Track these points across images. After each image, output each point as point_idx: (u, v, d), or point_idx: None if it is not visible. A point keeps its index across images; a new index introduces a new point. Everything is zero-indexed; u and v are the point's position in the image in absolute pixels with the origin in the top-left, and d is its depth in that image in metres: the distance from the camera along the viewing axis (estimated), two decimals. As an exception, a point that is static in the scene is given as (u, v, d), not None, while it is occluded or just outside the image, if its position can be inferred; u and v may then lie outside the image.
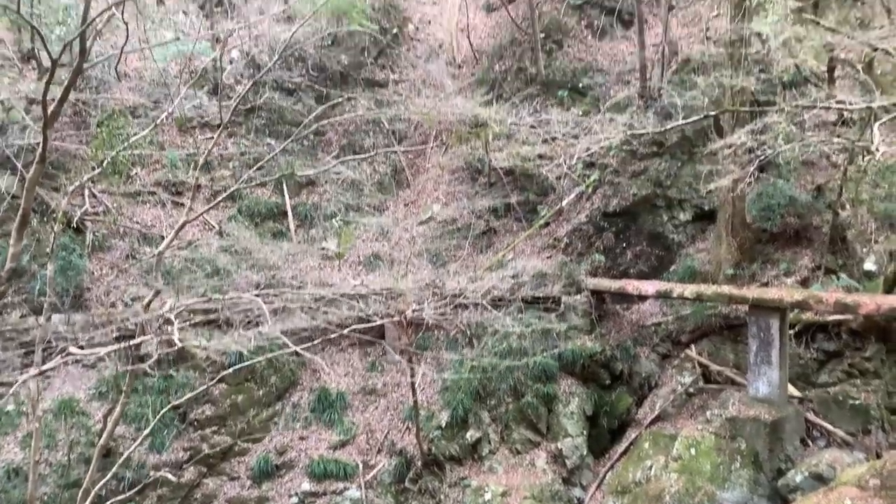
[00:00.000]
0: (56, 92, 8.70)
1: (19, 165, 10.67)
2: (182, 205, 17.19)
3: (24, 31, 17.50)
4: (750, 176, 11.50)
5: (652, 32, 19.65)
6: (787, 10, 13.76)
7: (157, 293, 8.23)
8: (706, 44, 17.35)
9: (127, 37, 8.24)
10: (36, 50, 16.16)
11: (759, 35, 14.89)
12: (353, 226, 18.19)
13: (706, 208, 16.75)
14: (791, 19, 13.74)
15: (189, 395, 10.44)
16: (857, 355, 13.59)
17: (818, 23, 12.11)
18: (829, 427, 12.94)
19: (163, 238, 16.05)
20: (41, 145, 8.55)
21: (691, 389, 14.66)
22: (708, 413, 13.36)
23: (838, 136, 14.45)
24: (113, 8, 7.46)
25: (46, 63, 14.79)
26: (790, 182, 15.56)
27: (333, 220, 18.16)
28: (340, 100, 15.44)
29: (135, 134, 15.84)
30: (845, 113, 13.62)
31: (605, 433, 14.82)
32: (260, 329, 9.75)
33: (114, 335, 12.52)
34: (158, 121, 10.74)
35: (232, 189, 9.31)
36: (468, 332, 14.76)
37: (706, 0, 19.05)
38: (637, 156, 17.41)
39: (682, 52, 18.46)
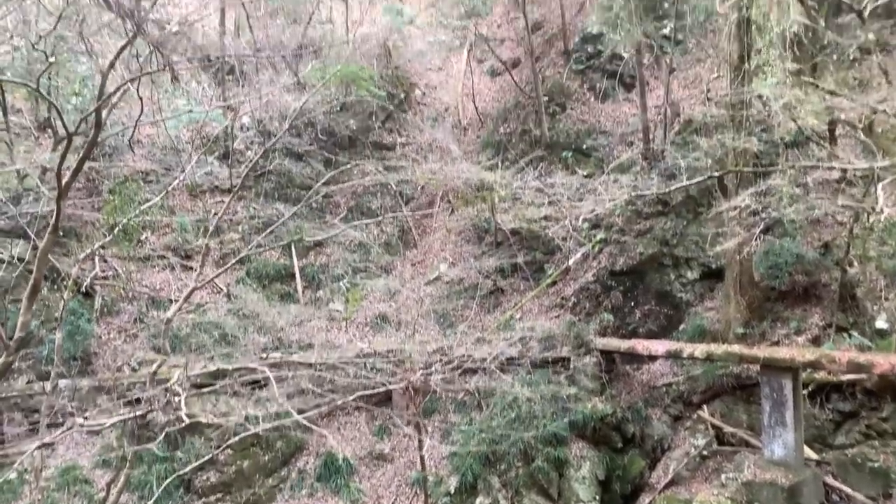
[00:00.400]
0: (70, 162, 8.93)
1: (31, 234, 10.81)
2: (191, 268, 17.34)
3: (41, 101, 18.01)
4: (756, 238, 11.53)
5: (654, 94, 20.04)
6: (785, 73, 14.02)
7: (164, 362, 8.22)
8: (707, 105, 17.64)
9: (141, 110, 8.48)
10: (52, 119, 16.58)
11: (759, 96, 15.16)
12: (360, 287, 18.24)
13: (713, 266, 16.73)
14: (790, 81, 13.98)
15: (194, 464, 10.29)
16: (873, 416, 13.31)
17: (817, 85, 12.33)
18: (849, 491, 12.56)
19: (171, 301, 16.15)
20: (54, 215, 8.71)
21: (705, 452, 14.33)
22: (723, 477, 13.03)
23: (842, 194, 14.55)
24: (129, 83, 7.70)
25: (62, 132, 15.18)
26: (796, 240, 15.57)
27: (341, 283, 18.22)
28: (349, 166, 15.69)
29: (146, 200, 16.13)
30: (848, 172, 13.73)
31: (617, 498, 14.42)
32: (266, 398, 9.67)
33: (120, 401, 12.43)
34: (170, 188, 10.91)
35: (241, 255, 9.39)
36: (477, 395, 14.59)
37: (706, 63, 19.48)
38: (642, 215, 17.52)
39: (683, 114, 18.78)
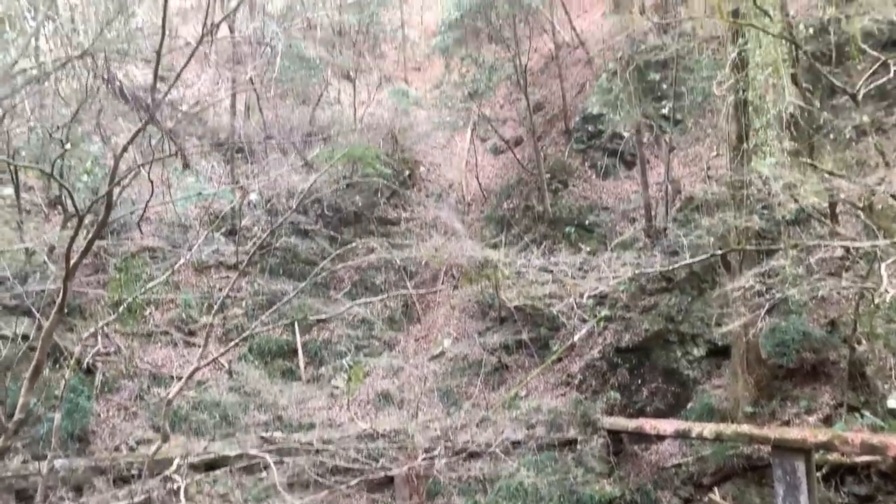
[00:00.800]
0: (79, 242, 9.03)
1: (37, 314, 10.82)
2: (194, 344, 17.25)
3: (52, 179, 18.38)
4: (760, 322, 11.49)
5: (654, 172, 20.37)
6: (783, 153, 14.29)
7: (161, 445, 8.08)
8: (708, 183, 17.90)
9: (152, 192, 8.64)
10: (63, 197, 16.87)
11: (759, 175, 15.41)
12: (362, 364, 18.10)
13: (720, 344, 16.58)
14: (788, 162, 14.23)
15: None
16: (890, 500, 12.89)
17: (815, 166, 12.54)
18: (870, 581, 12.05)
19: (172, 378, 16.00)
20: (60, 296, 8.75)
21: (718, 538, 13.85)
22: (738, 565, 12.54)
23: (847, 271, 14.56)
24: (140, 167, 7.89)
25: (72, 209, 15.40)
26: (802, 317, 15.48)
27: (343, 361, 18.10)
28: (354, 245, 15.86)
29: (152, 277, 16.24)
30: (851, 250, 13.79)
31: (628, 586, 13.87)
32: (266, 482, 9.45)
33: (117, 484, 12.15)
34: (176, 267, 10.99)
35: (244, 335, 9.37)
36: (482, 479, 14.22)
37: (705, 142, 19.88)
38: (646, 291, 17.52)
39: (684, 191, 19.03)
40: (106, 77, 14.64)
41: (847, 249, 13.92)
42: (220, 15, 19.70)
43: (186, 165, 17.59)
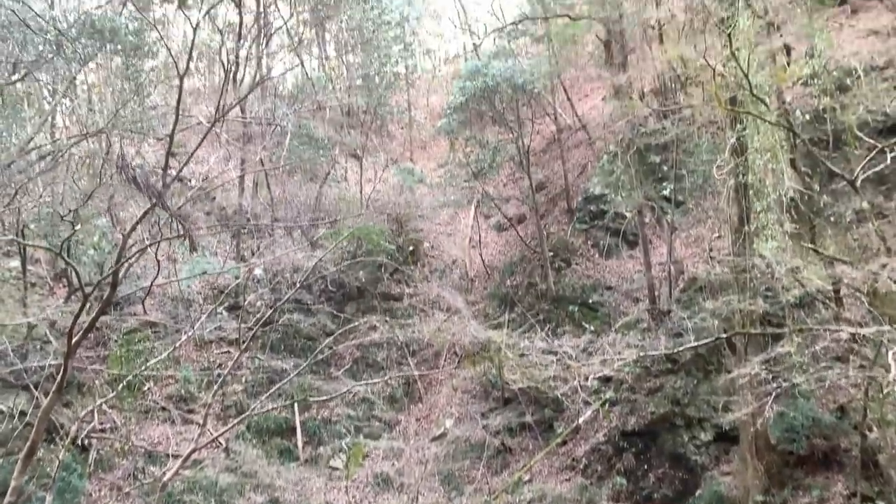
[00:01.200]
0: (82, 318, 9.02)
1: (36, 392, 10.71)
2: (192, 421, 16.96)
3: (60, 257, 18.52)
4: (768, 408, 11.31)
5: (657, 252, 20.47)
6: (784, 236, 14.39)
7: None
8: (710, 264, 17.96)
9: (157, 271, 8.69)
10: (69, 272, 16.97)
11: (762, 257, 15.47)
12: (362, 444, 17.72)
13: (727, 428, 16.21)
14: (790, 245, 14.32)
15: None
16: None
17: (817, 251, 12.63)
18: None
19: (168, 456, 15.64)
20: (60, 375, 8.69)
21: None
22: None
23: (854, 355, 14.39)
24: (147, 247, 7.98)
25: (76, 282, 15.43)
26: (811, 402, 15.22)
27: (342, 442, 17.73)
28: (356, 323, 15.83)
29: (153, 352, 16.13)
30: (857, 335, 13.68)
31: None
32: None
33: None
34: (178, 344, 10.93)
35: (244, 416, 9.22)
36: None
37: (707, 223, 20.05)
38: (651, 373, 17.31)
39: (687, 272, 19.08)
40: (119, 164, 14.98)
41: (853, 334, 13.82)
42: (233, 96, 20.30)
43: (193, 249, 17.76)
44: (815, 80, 16.31)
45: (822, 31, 18.33)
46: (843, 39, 20.36)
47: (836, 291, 15.61)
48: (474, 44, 32.15)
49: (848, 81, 16.97)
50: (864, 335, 13.69)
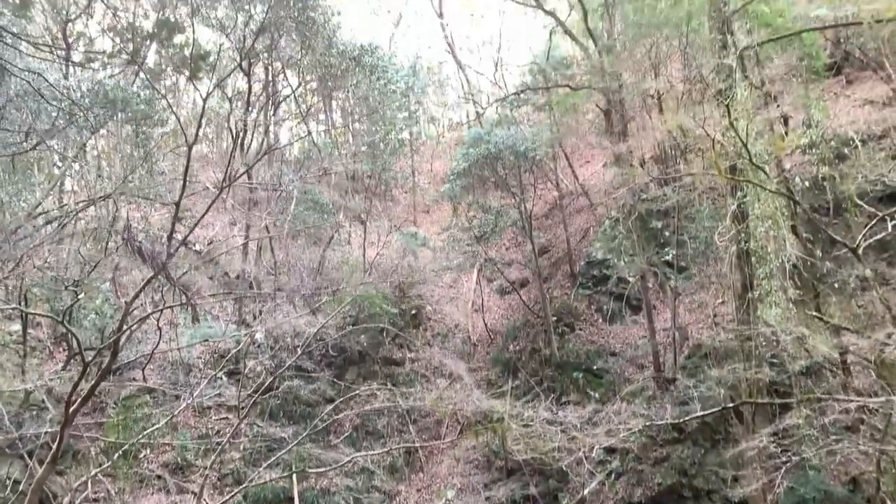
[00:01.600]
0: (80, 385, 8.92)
1: (30, 461, 10.50)
2: (188, 490, 16.56)
3: (59, 313, 18.47)
4: (778, 481, 11.03)
5: (661, 317, 20.35)
6: (788, 303, 14.32)
7: None
8: (715, 330, 17.83)
9: (159, 339, 8.64)
10: (69, 336, 16.88)
11: (766, 324, 15.34)
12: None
13: (736, 501, 15.76)
14: (794, 312, 14.23)
15: None
16: None
17: (822, 319, 12.54)
18: None
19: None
20: (56, 444, 8.54)
21: None
22: None
23: (863, 424, 14.10)
24: (149, 315, 7.97)
25: (76, 347, 15.32)
26: (821, 474, 14.82)
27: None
28: (358, 391, 15.64)
29: (151, 418, 15.89)
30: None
31: None
32: None
33: None
34: (177, 412, 10.77)
35: (241, 488, 9.00)
36: None
37: (710, 289, 19.99)
38: (658, 442, 16.94)
39: (692, 338, 18.91)
40: (125, 235, 15.14)
41: (862, 405, 13.59)
42: (240, 161, 20.65)
43: (196, 319, 17.74)
44: (814, 150, 16.54)
45: (819, 102, 18.75)
46: (839, 109, 20.77)
47: (844, 360, 15.43)
48: (477, 112, 32.88)
49: (846, 151, 17.21)
50: (872, 405, 13.48)
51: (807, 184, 17.77)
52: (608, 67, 19.77)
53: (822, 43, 20.62)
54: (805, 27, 17.23)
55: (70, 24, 21.19)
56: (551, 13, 24.65)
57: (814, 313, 13.14)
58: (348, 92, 26.89)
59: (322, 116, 33.01)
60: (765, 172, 13.77)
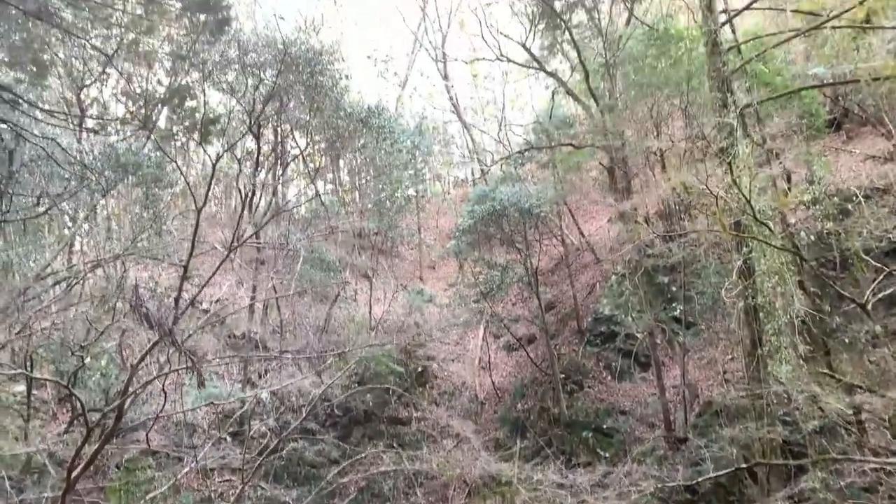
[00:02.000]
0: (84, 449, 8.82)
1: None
2: (188, 558, 16.15)
3: (65, 374, 18.40)
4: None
5: (670, 374, 20.11)
6: (798, 360, 14.14)
7: None
8: (725, 387, 17.58)
9: (164, 402, 8.58)
10: (73, 397, 16.78)
11: (778, 381, 15.12)
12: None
13: (755, 569, 15.27)
14: (805, 368, 14.04)
15: None
16: None
17: (834, 376, 12.37)
18: None
19: None
20: (55, 513, 8.39)
21: None
22: None
23: (880, 485, 13.71)
24: (154, 379, 7.95)
25: (79, 401, 15.18)
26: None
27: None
28: (362, 455, 15.40)
29: (153, 479, 15.63)
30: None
31: None
32: None
33: None
34: (180, 476, 10.60)
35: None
36: None
37: (719, 345, 19.81)
38: (671, 503, 16.50)
39: (702, 395, 18.64)
40: (133, 302, 15.26)
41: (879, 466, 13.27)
42: (248, 220, 20.86)
43: (202, 384, 17.66)
44: (817, 205, 16.62)
45: (820, 158, 18.93)
46: (840, 164, 20.98)
47: (858, 418, 15.15)
48: (482, 170, 33.34)
49: (849, 206, 17.29)
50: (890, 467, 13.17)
51: (812, 238, 17.79)
52: (610, 126, 20.10)
53: (821, 100, 20.96)
54: (803, 85, 17.55)
55: (85, 90, 21.79)
56: (553, 74, 25.26)
57: (825, 371, 12.96)
58: (356, 152, 27.35)
59: (330, 175, 33.50)
60: (769, 228, 13.80)
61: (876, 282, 12.59)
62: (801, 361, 15.12)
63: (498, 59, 25.06)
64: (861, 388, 11.86)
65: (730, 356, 19.16)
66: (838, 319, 16.50)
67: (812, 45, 19.79)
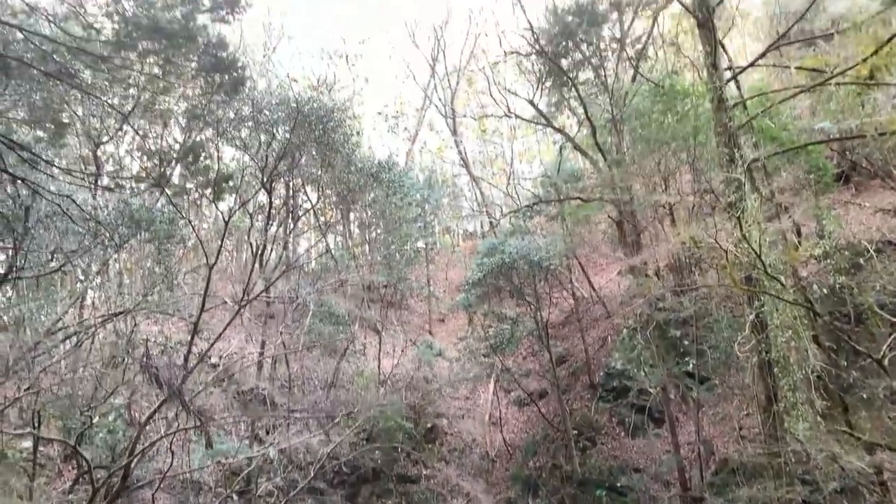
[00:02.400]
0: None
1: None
2: None
3: (72, 431, 18.23)
4: None
5: (684, 430, 19.73)
6: (815, 417, 13.84)
7: None
8: (742, 444, 17.21)
9: (171, 462, 8.46)
10: (78, 455, 16.59)
11: (796, 439, 14.76)
12: None
13: None
14: (823, 425, 13.73)
15: None
16: None
17: (853, 434, 12.08)
18: None
19: None
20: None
21: None
22: None
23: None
24: (162, 438, 7.86)
25: (86, 461, 14.97)
26: None
27: None
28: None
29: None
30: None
31: None
32: None
33: None
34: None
35: None
36: None
37: (734, 400, 19.47)
38: (689, 567, 15.98)
39: (718, 452, 18.24)
40: (143, 363, 15.26)
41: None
42: (258, 274, 20.94)
43: (210, 444, 17.46)
44: (828, 259, 16.53)
45: (830, 211, 18.93)
46: (850, 217, 20.94)
47: (880, 479, 14.73)
48: (491, 222, 33.52)
49: (861, 260, 17.17)
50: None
51: (824, 291, 17.61)
52: (618, 180, 20.23)
53: (828, 154, 21.07)
54: (810, 140, 17.67)
55: (101, 147, 22.24)
56: (561, 130, 25.60)
57: (844, 428, 12.67)
58: (366, 206, 27.60)
59: (340, 228, 33.75)
60: (780, 282, 13.69)
61: (892, 336, 12.39)
62: (819, 418, 14.80)
63: (506, 115, 25.51)
64: (881, 446, 11.55)
65: (745, 412, 18.79)
66: (855, 375, 16.20)
67: (817, 100, 20.00)
